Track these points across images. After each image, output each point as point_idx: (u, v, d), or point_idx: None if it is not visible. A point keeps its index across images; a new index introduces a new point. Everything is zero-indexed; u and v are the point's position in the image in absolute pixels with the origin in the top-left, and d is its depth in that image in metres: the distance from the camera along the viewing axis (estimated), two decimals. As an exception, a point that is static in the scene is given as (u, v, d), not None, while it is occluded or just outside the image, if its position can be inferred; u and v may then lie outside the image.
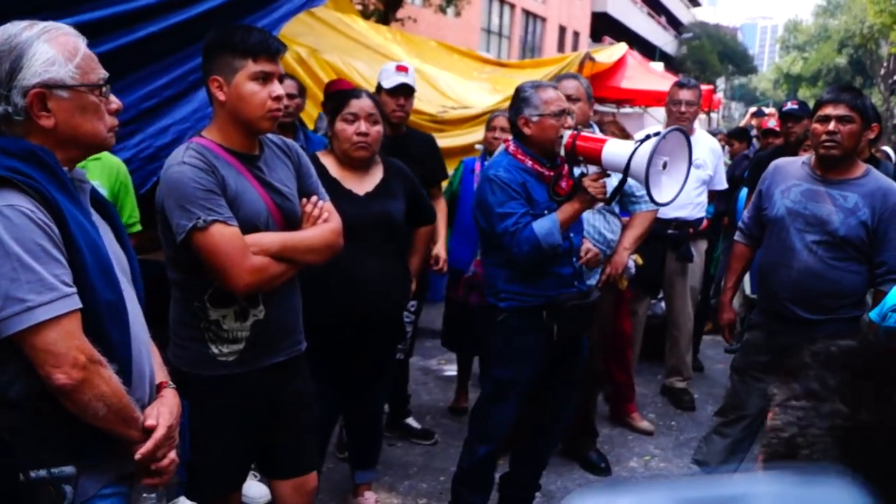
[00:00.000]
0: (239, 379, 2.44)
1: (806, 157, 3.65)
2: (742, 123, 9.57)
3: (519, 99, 3.29)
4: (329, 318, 3.07)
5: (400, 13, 17.02)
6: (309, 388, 2.68)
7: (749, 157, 7.06)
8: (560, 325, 3.20)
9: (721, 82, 51.27)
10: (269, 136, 2.55)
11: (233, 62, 2.34)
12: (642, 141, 2.92)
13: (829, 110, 3.35)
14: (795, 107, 5.59)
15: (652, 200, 2.98)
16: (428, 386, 5.40)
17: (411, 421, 4.54)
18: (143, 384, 1.83)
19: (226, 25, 2.51)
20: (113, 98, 1.80)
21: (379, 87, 4.18)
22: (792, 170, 3.57)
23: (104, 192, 3.24)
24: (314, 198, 2.56)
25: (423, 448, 4.41)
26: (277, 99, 2.36)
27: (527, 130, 3.25)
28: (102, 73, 1.76)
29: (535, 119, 3.21)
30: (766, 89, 69.17)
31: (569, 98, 3.53)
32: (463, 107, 7.09)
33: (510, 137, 4.23)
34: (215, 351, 2.42)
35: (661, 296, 5.57)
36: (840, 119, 3.31)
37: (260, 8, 3.96)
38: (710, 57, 48.79)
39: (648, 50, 34.99)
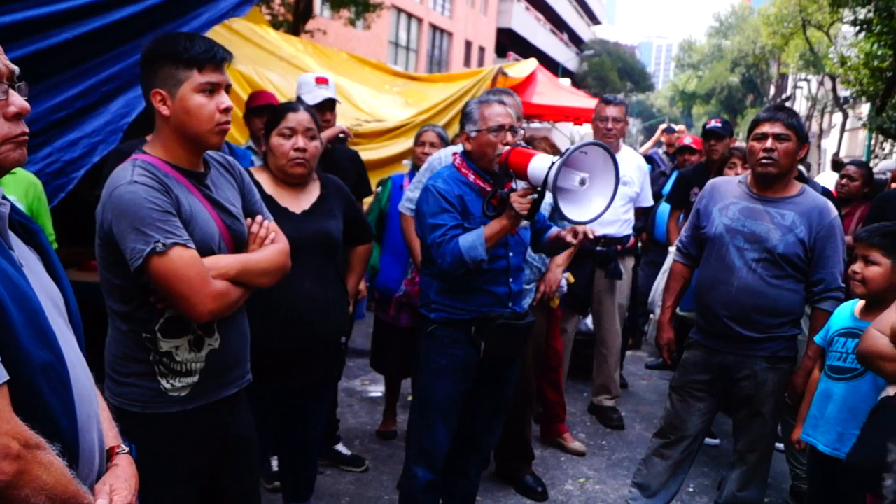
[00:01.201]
0: (191, 415, 2.24)
1: (742, 175, 3.67)
2: (653, 139, 9.73)
3: (463, 115, 3.25)
4: (266, 342, 2.88)
5: (309, 25, 16.78)
6: (252, 422, 2.50)
7: (665, 173, 7.16)
8: (487, 343, 3.13)
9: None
10: (210, 152, 2.36)
11: (176, 74, 2.14)
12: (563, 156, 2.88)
13: (765, 128, 3.37)
14: (719, 125, 5.68)
15: (563, 217, 2.87)
16: (353, 408, 5.21)
17: (341, 447, 4.35)
18: (91, 457, 1.53)
19: (166, 34, 2.31)
20: (14, 98, 1.43)
21: (299, 101, 4.01)
22: (729, 188, 3.57)
23: (21, 208, 2.97)
24: (259, 217, 2.40)
25: (354, 475, 4.22)
26: (226, 111, 2.19)
27: (467, 146, 3.21)
28: None
29: (473, 134, 3.16)
30: (663, 106, 71.57)
31: None
32: (377, 120, 7.02)
33: (439, 152, 4.18)
34: (167, 386, 2.20)
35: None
36: (777, 137, 3.33)
37: (179, 16, 3.76)
38: (610, 74, 50.16)
39: (551, 66, 35.64)
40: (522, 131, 3.38)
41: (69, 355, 1.46)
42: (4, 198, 1.48)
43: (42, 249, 1.60)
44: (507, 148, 3.06)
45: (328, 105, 4.07)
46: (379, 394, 5.20)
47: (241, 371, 2.41)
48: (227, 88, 2.23)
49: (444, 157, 4.04)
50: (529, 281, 3.94)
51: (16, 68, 1.45)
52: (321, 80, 4.13)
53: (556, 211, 3.24)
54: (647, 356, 7.21)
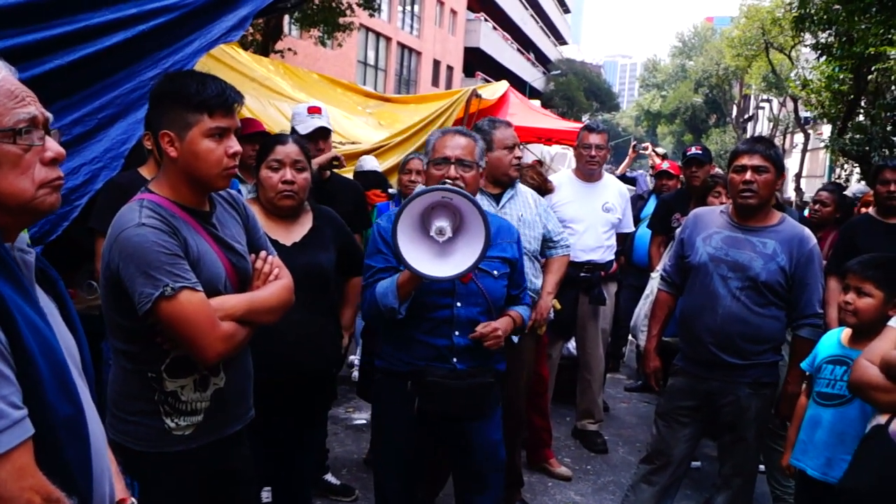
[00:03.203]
0: (195, 453, 2.24)
1: (724, 205, 3.75)
2: (627, 160, 9.82)
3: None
4: (256, 376, 2.89)
5: (279, 44, 16.75)
6: (250, 454, 2.51)
7: (643, 196, 7.26)
8: (420, 401, 2.88)
9: (586, 119, 53.24)
10: None
11: (186, 117, 2.13)
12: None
13: (744, 160, 3.47)
14: (700, 152, 5.80)
15: (410, 269, 2.62)
16: (339, 436, 5.19)
17: (330, 477, 4.34)
18: None
19: (176, 74, 2.31)
20: (50, 143, 1.44)
21: (293, 132, 4.03)
22: (712, 218, 3.66)
23: None
24: (263, 253, 2.40)
25: (344, 505, 4.22)
26: (234, 156, 2.18)
27: (422, 179, 3.16)
28: (24, 114, 1.39)
29: (425, 167, 3.10)
30: (628, 126, 72.29)
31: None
32: (351, 142, 6.97)
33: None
34: (171, 425, 2.20)
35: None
36: (755, 169, 3.43)
37: (171, 43, 3.76)
38: (576, 94, 50.61)
39: (519, 85, 35.94)
40: (474, 165, 3.00)
41: (86, 408, 1.46)
42: (29, 246, 1.49)
43: (60, 297, 1.59)
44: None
45: (320, 134, 4.07)
46: (364, 421, 5.20)
47: (245, 408, 2.42)
48: (237, 131, 2.23)
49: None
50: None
51: (50, 115, 1.46)
52: (313, 110, 4.13)
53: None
54: (625, 379, 7.28)
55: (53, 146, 1.45)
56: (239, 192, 3.85)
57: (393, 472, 3.09)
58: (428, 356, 2.89)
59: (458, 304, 2.90)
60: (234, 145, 2.18)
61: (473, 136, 3.05)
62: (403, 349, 2.94)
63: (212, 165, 2.16)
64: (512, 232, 3.16)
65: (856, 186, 8.62)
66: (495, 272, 3.00)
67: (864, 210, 5.71)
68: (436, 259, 2.62)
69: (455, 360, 2.90)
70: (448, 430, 3.03)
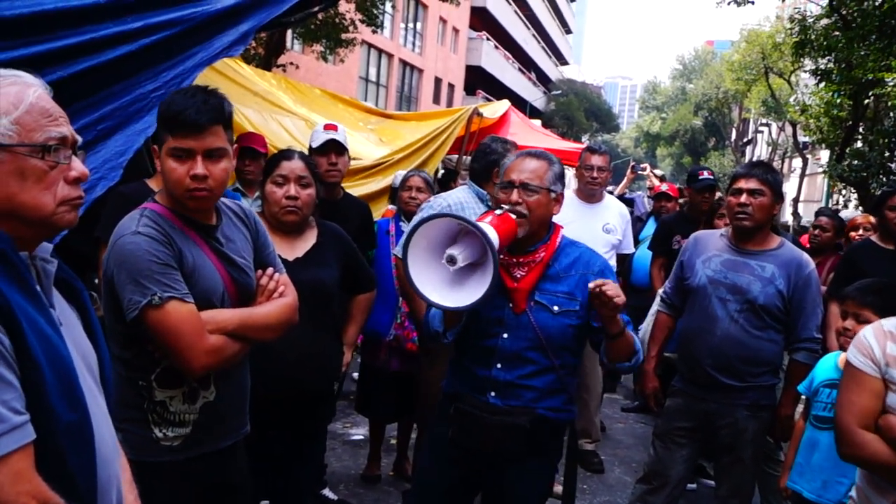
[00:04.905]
0: (183, 465, 2.24)
1: (724, 229, 3.78)
2: (625, 181, 9.83)
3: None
4: (252, 390, 2.88)
5: (281, 59, 16.83)
6: (247, 470, 2.51)
7: (642, 218, 7.28)
8: (454, 427, 2.73)
9: (586, 139, 53.34)
10: (226, 201, 2.39)
11: (161, 134, 2.18)
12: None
13: (741, 184, 3.50)
14: (711, 177, 5.78)
15: (420, 296, 2.42)
16: (336, 451, 5.17)
17: (328, 492, 4.33)
18: None
19: (185, 90, 2.33)
20: (75, 163, 1.47)
21: (310, 149, 4.06)
22: (711, 241, 3.69)
23: None
24: (270, 270, 2.40)
25: (341, 521, 4.20)
26: (195, 178, 2.14)
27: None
28: (55, 133, 1.43)
29: (496, 192, 2.83)
30: (628, 147, 72.50)
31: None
32: (352, 158, 6.95)
33: (444, 197, 4.09)
34: (159, 434, 2.20)
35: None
36: (751, 192, 3.46)
37: (173, 56, 3.78)
38: (577, 114, 50.74)
39: (520, 104, 36.07)
40: (539, 189, 2.69)
41: (96, 416, 1.48)
42: (53, 255, 1.52)
43: (83, 308, 1.62)
44: (500, 210, 2.60)
45: (333, 147, 4.06)
46: (361, 436, 5.19)
47: (239, 423, 2.41)
48: (216, 152, 2.16)
49: (449, 201, 3.87)
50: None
51: (79, 137, 1.50)
52: (329, 127, 4.15)
53: None
54: (622, 399, 7.28)
55: (78, 166, 1.49)
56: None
57: (415, 495, 2.99)
58: (468, 383, 2.75)
59: (505, 335, 2.68)
60: (197, 168, 2.13)
61: (549, 158, 2.76)
62: (454, 373, 2.84)
63: (173, 185, 2.18)
64: (592, 263, 2.81)
65: (847, 213, 8.62)
66: (556, 307, 2.69)
67: (852, 234, 5.71)
68: (450, 286, 2.44)
69: (492, 393, 2.69)
70: (484, 466, 2.78)
